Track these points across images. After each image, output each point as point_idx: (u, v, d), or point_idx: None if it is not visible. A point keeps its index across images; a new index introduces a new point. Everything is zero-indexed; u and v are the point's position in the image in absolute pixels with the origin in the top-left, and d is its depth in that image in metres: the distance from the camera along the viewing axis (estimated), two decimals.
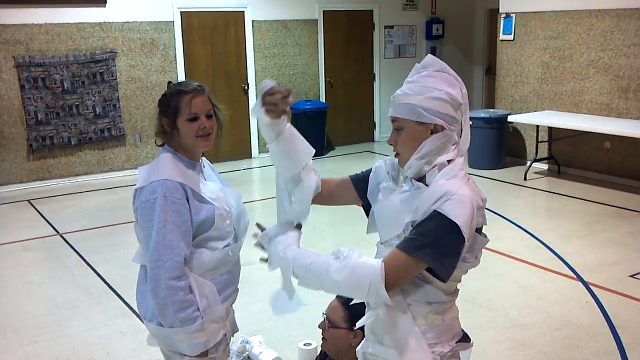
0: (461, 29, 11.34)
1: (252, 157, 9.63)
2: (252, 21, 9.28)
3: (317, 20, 9.85)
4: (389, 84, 10.52)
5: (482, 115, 8.37)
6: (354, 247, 1.90)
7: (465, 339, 2.02)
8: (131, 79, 8.48)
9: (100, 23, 8.18)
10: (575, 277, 4.86)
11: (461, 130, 1.90)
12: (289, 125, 1.98)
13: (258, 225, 2.10)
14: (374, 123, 10.81)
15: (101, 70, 8.21)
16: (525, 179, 7.93)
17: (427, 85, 1.85)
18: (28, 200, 7.47)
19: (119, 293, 4.75)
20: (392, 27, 10.61)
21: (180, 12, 8.72)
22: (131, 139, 8.62)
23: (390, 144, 1.93)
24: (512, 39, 8.68)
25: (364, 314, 2.00)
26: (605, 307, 4.32)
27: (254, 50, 9.36)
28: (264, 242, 2.04)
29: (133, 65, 8.47)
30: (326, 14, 9.92)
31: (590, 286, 4.67)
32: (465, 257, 1.83)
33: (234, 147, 9.29)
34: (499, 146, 8.49)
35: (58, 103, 8.00)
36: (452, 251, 1.77)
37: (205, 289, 2.25)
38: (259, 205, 7.16)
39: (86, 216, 6.79)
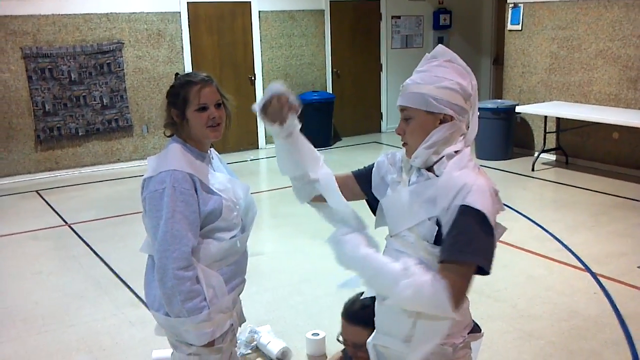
0: (468, 19, 11.27)
1: (259, 147, 9.64)
2: (259, 11, 9.25)
3: (324, 10, 9.82)
4: (396, 74, 10.48)
5: (490, 105, 8.33)
6: None
7: (476, 329, 2.02)
8: (138, 69, 8.49)
9: (107, 14, 8.18)
10: (583, 268, 4.85)
11: (469, 122, 1.89)
12: (297, 128, 1.92)
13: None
14: (381, 114, 10.78)
15: (108, 61, 8.22)
16: (533, 169, 7.90)
17: (438, 74, 1.84)
18: (36, 191, 7.50)
19: (127, 283, 4.77)
20: (399, 17, 10.56)
21: (187, 2, 8.71)
22: (138, 129, 8.64)
23: (398, 134, 1.92)
24: (520, 29, 8.63)
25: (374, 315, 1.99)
26: (613, 298, 4.31)
27: (260, 40, 9.34)
28: (331, 243, 1.91)
29: (140, 56, 8.47)
30: (333, 4, 9.88)
31: (598, 277, 4.66)
32: None
33: (241, 137, 9.29)
34: (506, 137, 8.45)
35: (65, 94, 8.01)
36: (489, 242, 1.77)
37: (212, 279, 2.26)
38: (266, 196, 7.15)
39: (94, 207, 6.82)
